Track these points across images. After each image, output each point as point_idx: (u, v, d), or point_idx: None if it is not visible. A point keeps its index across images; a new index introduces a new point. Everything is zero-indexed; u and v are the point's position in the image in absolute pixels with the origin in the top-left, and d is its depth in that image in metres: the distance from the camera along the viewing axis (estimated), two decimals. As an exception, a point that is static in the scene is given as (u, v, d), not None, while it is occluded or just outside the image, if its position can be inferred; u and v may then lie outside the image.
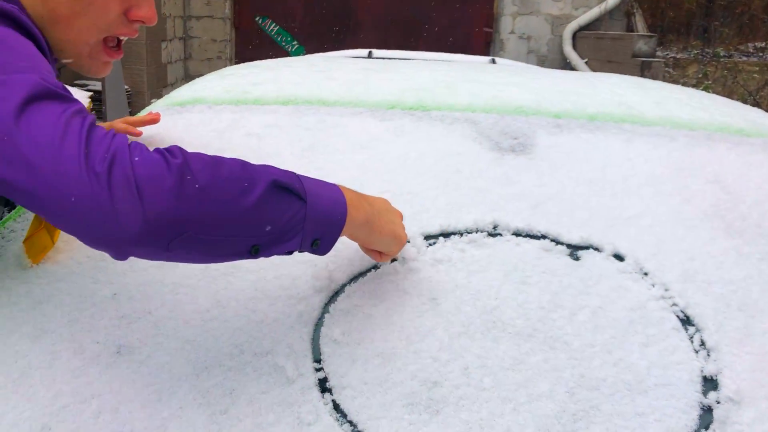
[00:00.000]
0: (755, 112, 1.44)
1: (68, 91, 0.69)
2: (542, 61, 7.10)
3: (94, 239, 0.63)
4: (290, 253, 0.73)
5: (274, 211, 0.69)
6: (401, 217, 0.89)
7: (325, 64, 1.56)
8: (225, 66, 6.84)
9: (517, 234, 0.94)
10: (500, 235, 0.94)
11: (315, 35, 7.15)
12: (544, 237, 0.94)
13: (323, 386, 0.74)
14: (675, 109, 1.32)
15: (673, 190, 1.05)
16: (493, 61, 3.40)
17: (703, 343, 0.80)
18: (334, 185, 0.78)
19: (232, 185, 0.67)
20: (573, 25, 6.94)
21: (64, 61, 0.91)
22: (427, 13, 7.17)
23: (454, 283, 0.86)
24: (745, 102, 5.81)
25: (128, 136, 0.76)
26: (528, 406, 0.72)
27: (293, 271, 0.86)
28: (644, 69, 5.61)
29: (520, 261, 0.89)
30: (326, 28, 7.15)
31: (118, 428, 0.69)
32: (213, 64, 6.88)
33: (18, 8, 0.79)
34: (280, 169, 0.73)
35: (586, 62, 6.64)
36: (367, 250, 0.85)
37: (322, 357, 0.77)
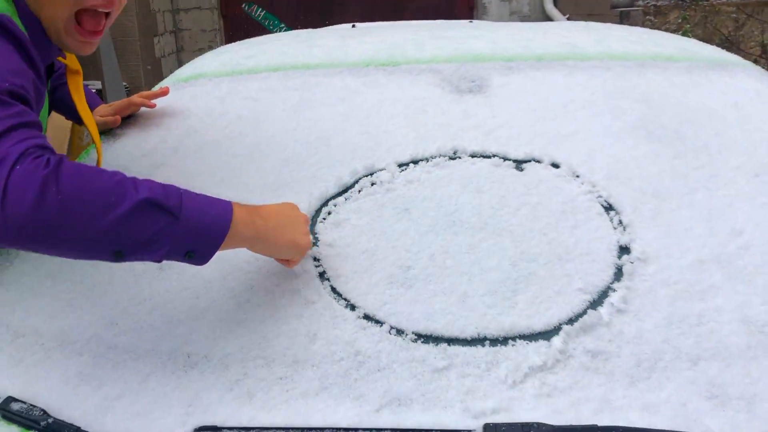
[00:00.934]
0: (687, 42, 1.64)
1: (20, 98, 0.82)
2: (525, 21, 7.23)
3: None
4: (159, 260, 0.81)
5: (139, 226, 0.77)
6: (306, 221, 0.96)
7: (308, 35, 1.76)
8: (217, 54, 7.00)
9: (472, 155, 1.14)
10: (459, 158, 1.14)
11: (302, 16, 7.29)
12: (495, 156, 1.14)
13: (322, 276, 0.95)
14: (613, 44, 1.51)
15: (605, 110, 1.25)
16: (471, 22, 3.57)
17: (621, 222, 1.01)
18: (226, 204, 0.85)
19: (98, 199, 0.75)
20: (552, -17, 7.04)
21: (55, 43, 1.04)
22: (409, -15, 7.29)
23: (422, 196, 1.06)
24: (721, 43, 5.94)
25: (47, 136, 0.87)
26: (480, 277, 0.93)
27: (293, 198, 1.06)
28: (623, 19, 5.75)
29: (475, 175, 1.10)
30: (312, 8, 7.29)
31: (166, 319, 0.91)
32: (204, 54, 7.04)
33: (8, 15, 0.91)
34: (161, 186, 0.81)
35: (567, 18, 6.77)
36: (277, 259, 0.93)
37: (320, 257, 0.98)
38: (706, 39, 6.88)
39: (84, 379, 0.85)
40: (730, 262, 0.94)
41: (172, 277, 0.96)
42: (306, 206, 1.05)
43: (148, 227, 0.78)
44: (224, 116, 1.31)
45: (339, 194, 1.07)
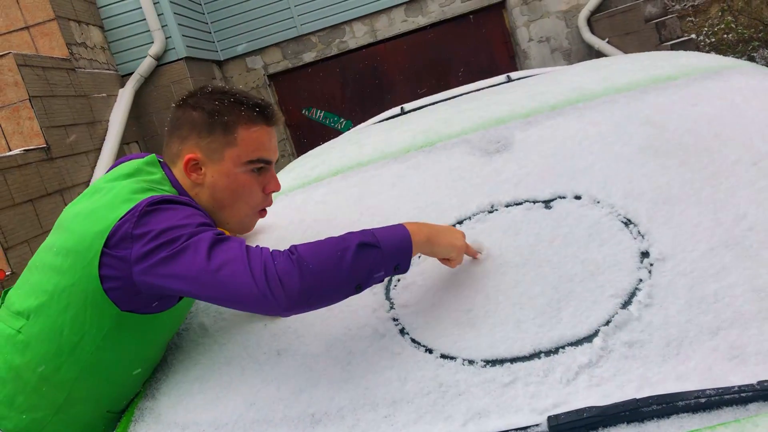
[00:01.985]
0: (686, 57, 1.81)
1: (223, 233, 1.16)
2: (567, 55, 7.42)
3: (266, 313, 1.10)
4: (381, 280, 1.15)
5: (363, 262, 1.10)
6: (462, 235, 1.23)
7: (356, 136, 2.04)
8: (289, 161, 7.52)
9: (507, 205, 1.36)
10: (496, 210, 1.36)
11: (357, 106, 7.78)
12: (526, 201, 1.35)
13: (402, 332, 1.17)
14: (617, 78, 1.71)
15: (615, 140, 1.44)
16: (509, 78, 3.81)
17: (639, 232, 1.19)
18: (399, 225, 1.17)
19: (332, 256, 1.09)
20: (584, 13, 7.25)
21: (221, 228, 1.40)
22: (448, 51, 7.67)
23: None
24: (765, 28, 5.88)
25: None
26: (529, 304, 1.13)
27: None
28: (660, 29, 5.86)
29: (511, 221, 1.31)
30: (364, 96, 7.77)
31: (290, 391, 1.15)
32: (279, 163, 7.58)
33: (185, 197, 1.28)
34: (358, 232, 1.14)
35: (607, 41, 6.92)
36: (441, 261, 1.23)
37: (397, 317, 1.20)
38: (750, 26, 6.84)
39: (239, 450, 1.10)
40: (737, 244, 1.10)
41: (288, 359, 1.21)
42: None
43: (369, 260, 1.11)
44: (303, 221, 1.59)
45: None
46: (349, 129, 6.72)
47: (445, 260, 1.22)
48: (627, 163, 1.36)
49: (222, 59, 7.47)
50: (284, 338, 1.26)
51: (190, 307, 1.38)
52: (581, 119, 1.56)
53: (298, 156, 7.79)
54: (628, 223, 1.22)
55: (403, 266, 1.15)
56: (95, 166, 5.03)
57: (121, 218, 1.17)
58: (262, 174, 1.37)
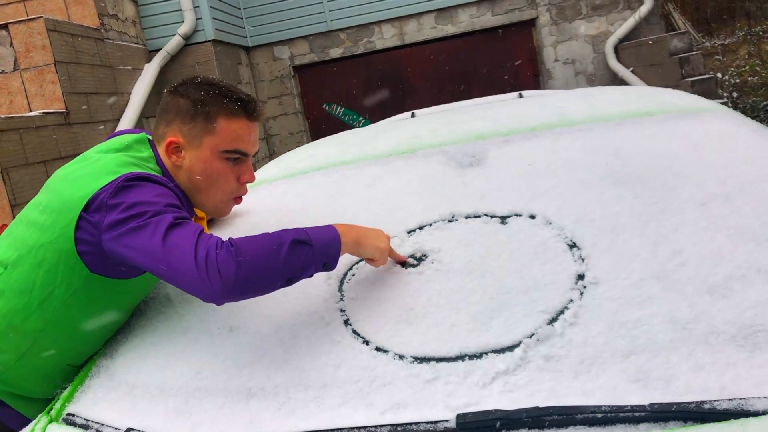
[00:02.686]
0: (671, 96, 1.87)
1: (188, 217, 1.24)
2: (591, 80, 7.45)
3: (202, 297, 1.16)
4: (311, 275, 1.23)
5: (296, 257, 1.18)
6: (387, 239, 1.32)
7: (348, 136, 2.12)
8: (304, 153, 7.61)
9: (467, 217, 1.43)
10: (456, 220, 1.43)
11: (377, 106, 7.86)
12: (484, 215, 1.42)
13: (346, 323, 1.25)
14: (600, 108, 1.78)
15: (581, 167, 1.50)
16: (520, 95, 3.87)
17: (581, 256, 1.25)
18: (330, 226, 1.26)
19: (267, 251, 1.17)
20: (612, 40, 7.28)
21: (195, 205, 1.48)
22: (473, 62, 7.73)
23: (425, 253, 1.35)
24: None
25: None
26: (465, 310, 1.19)
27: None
28: (683, 64, 5.88)
29: (467, 232, 1.38)
30: (385, 97, 7.85)
31: (234, 365, 1.22)
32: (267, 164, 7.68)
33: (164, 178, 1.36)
34: (293, 229, 1.22)
35: (632, 71, 6.95)
36: (366, 261, 1.32)
37: (345, 308, 1.28)
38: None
39: (179, 413, 1.17)
40: (667, 277, 1.16)
41: (239, 335, 1.29)
42: (337, 272, 1.36)
43: (301, 256, 1.19)
44: (280, 210, 1.67)
45: (360, 260, 1.38)
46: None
47: (369, 260, 1.31)
48: (586, 189, 1.42)
49: (250, 46, 7.59)
50: (239, 316, 1.33)
51: (157, 279, 1.46)
52: (555, 143, 1.62)
53: (314, 149, 7.87)
54: (572, 245, 1.28)
55: (331, 264, 1.24)
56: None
57: (101, 187, 1.26)
58: (238, 164, 1.45)
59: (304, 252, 1.20)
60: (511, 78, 7.76)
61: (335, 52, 7.68)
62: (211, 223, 1.73)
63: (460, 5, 7.50)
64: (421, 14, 7.55)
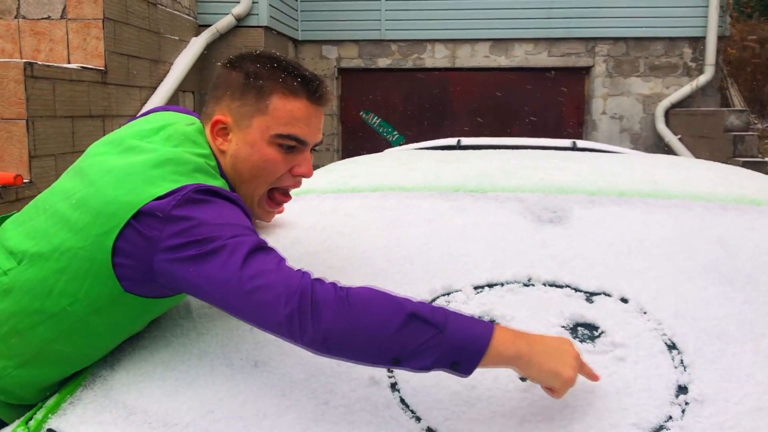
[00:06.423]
0: (776, 183, 1.67)
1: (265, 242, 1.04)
2: (635, 140, 7.26)
3: (283, 336, 0.97)
4: (429, 369, 0.94)
5: (409, 336, 0.93)
6: (577, 357, 0.97)
7: (408, 157, 1.93)
8: (333, 157, 7.46)
9: (545, 284, 1.23)
10: (533, 285, 1.23)
11: (414, 124, 7.69)
12: (567, 286, 1.22)
13: (393, 387, 1.05)
14: (697, 184, 1.58)
15: (679, 250, 1.31)
16: (574, 144, 3.68)
17: (682, 362, 1.05)
18: (488, 324, 0.97)
19: (379, 313, 0.94)
20: (665, 103, 7.10)
21: None
22: (520, 98, 7.56)
23: (494, 319, 1.15)
24: None
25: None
26: (540, 402, 0.99)
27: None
28: (737, 143, 5.68)
29: (546, 303, 1.18)
30: (424, 117, 7.68)
31: (254, 412, 1.03)
32: (321, 156, 7.51)
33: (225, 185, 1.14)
34: (431, 306, 0.97)
35: (679, 139, 6.75)
36: (543, 387, 0.99)
37: (393, 371, 1.08)
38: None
39: (180, 458, 0.98)
40: (789, 412, 0.96)
41: (264, 374, 1.10)
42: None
43: (416, 338, 0.93)
44: (326, 230, 1.47)
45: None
46: (399, 144, 6.62)
47: (547, 389, 0.98)
48: (686, 278, 1.23)
49: (299, 39, 7.44)
50: (266, 350, 1.14)
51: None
52: (648, 215, 1.43)
53: (342, 154, 7.72)
54: (672, 347, 1.08)
55: (463, 367, 0.94)
56: (146, 102, 4.99)
57: (160, 197, 1.04)
58: (293, 154, 1.21)
59: (426, 334, 0.93)
60: (554, 122, 7.57)
61: (383, 62, 7.52)
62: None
63: (517, 39, 7.34)
64: (476, 41, 7.39)
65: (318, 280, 0.99)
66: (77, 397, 1.13)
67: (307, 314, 0.93)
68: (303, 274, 0.99)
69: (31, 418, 1.11)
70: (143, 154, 1.12)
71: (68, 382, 1.19)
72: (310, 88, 1.19)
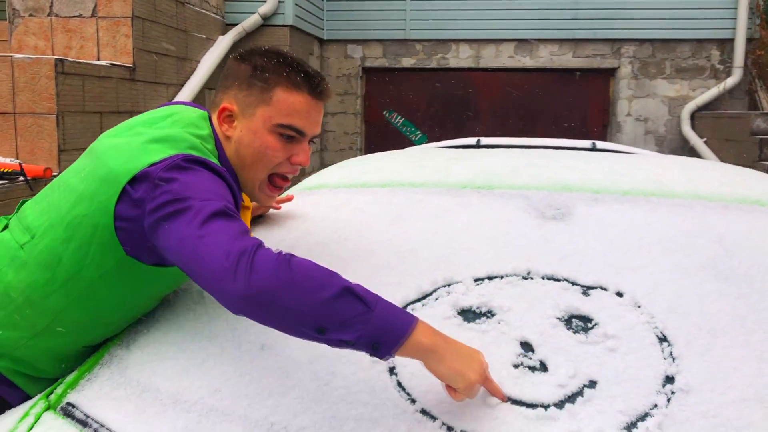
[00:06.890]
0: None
1: (237, 214, 1.09)
2: (660, 142, 7.21)
3: (218, 292, 0.98)
4: (348, 344, 0.97)
5: (339, 308, 0.96)
6: (483, 366, 1.01)
7: (419, 155, 1.97)
8: (356, 155, 7.51)
9: (544, 278, 1.27)
10: (531, 278, 1.27)
11: (437, 124, 7.72)
12: (565, 280, 1.26)
13: (391, 371, 1.10)
14: (702, 184, 1.60)
15: (678, 247, 1.34)
16: (594, 145, 3.68)
17: (671, 354, 1.09)
18: (412, 316, 1.00)
19: (315, 280, 0.97)
20: (691, 106, 7.03)
21: (243, 192, 1.34)
22: (544, 99, 7.54)
23: (491, 310, 1.20)
24: None
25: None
26: (532, 389, 1.04)
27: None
28: (763, 146, 5.62)
29: (543, 296, 1.22)
30: (447, 117, 7.71)
31: (259, 391, 1.09)
32: (344, 154, 7.58)
33: (217, 162, 1.22)
34: (360, 285, 1.00)
35: (705, 141, 6.69)
36: (445, 387, 1.01)
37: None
38: None
39: (188, 432, 1.04)
40: (773, 404, 0.99)
41: (270, 357, 1.15)
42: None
43: (347, 311, 0.96)
44: (336, 223, 1.53)
45: (417, 300, 1.23)
46: (422, 143, 6.66)
47: (449, 389, 1.01)
48: (682, 275, 1.26)
49: (324, 38, 7.51)
50: (273, 334, 1.19)
51: None
52: (651, 214, 1.45)
53: (365, 152, 7.77)
54: (663, 339, 1.12)
55: (383, 349, 0.97)
56: (172, 99, 5.10)
57: (154, 162, 1.13)
58: (292, 143, 1.28)
59: (356, 310, 0.97)
60: (579, 123, 7.54)
61: (407, 62, 7.56)
62: (259, 222, 1.60)
63: (542, 40, 7.33)
64: (501, 41, 7.39)
65: (267, 247, 1.01)
66: (94, 374, 1.20)
67: (246, 266, 0.96)
68: (254, 240, 1.02)
69: (51, 393, 1.18)
70: (149, 133, 1.21)
71: (86, 359, 1.26)
72: (312, 83, 1.27)
